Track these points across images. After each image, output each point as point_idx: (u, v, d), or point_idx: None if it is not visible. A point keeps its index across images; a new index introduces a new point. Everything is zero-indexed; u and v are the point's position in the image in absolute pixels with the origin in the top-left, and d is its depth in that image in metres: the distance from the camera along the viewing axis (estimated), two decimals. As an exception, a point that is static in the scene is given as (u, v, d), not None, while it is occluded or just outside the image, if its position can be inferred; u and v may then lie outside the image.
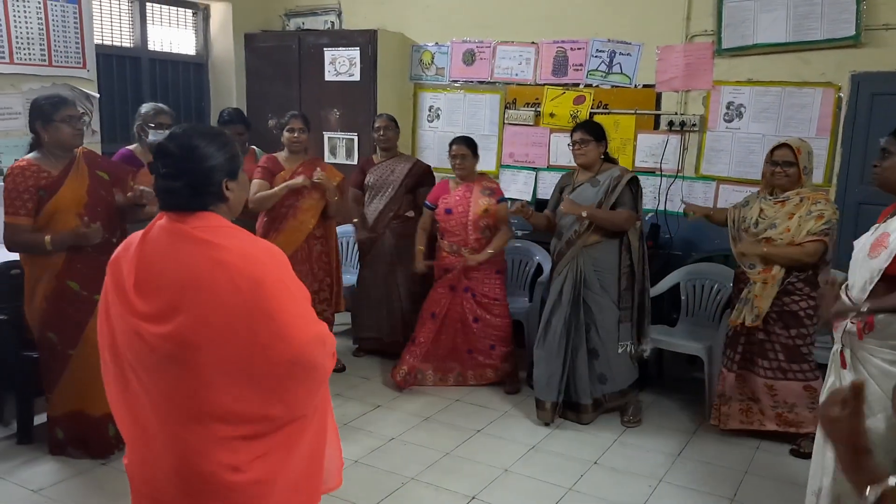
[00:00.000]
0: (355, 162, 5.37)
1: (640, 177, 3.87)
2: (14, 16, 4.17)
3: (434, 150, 5.58)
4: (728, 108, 4.54)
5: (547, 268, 4.62)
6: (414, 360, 4.25)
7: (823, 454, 2.35)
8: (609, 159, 3.88)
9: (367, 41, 5.29)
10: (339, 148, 5.53)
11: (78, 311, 3.15)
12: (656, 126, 4.78)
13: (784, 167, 3.42)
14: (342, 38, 5.45)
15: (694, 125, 4.63)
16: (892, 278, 2.20)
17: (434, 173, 4.69)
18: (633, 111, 4.80)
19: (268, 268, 1.59)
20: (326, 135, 5.53)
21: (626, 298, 3.82)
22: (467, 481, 3.24)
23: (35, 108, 3.11)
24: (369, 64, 5.30)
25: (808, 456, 2.82)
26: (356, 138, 5.47)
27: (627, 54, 4.83)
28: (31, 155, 3.13)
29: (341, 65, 5.41)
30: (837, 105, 4.20)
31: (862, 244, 2.39)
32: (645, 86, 4.79)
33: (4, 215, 3.04)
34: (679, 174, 4.68)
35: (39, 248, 3.02)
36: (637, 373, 3.93)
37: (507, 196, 4.37)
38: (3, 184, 3.15)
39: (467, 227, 4.15)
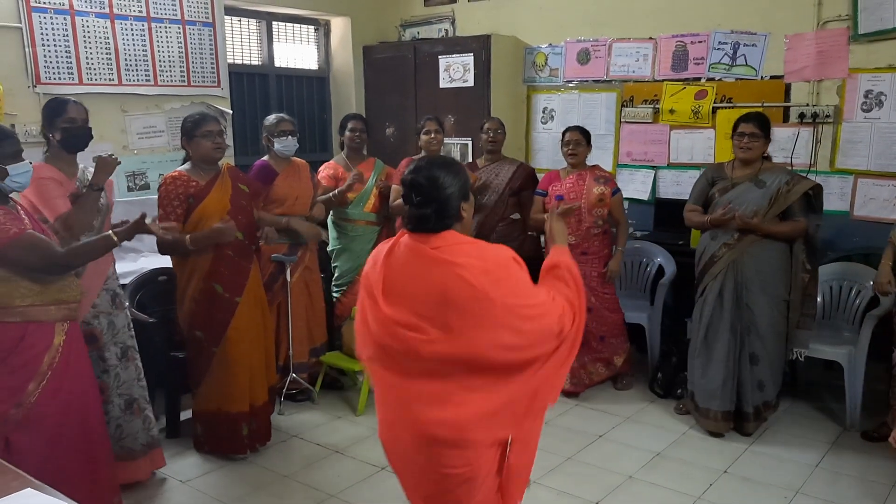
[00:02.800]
0: (470, 166, 5.44)
1: (769, 173, 3.67)
2: (157, 42, 4.53)
3: (548, 153, 5.55)
4: (866, 96, 4.24)
5: (668, 270, 4.50)
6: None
7: None
8: (767, 157, 3.69)
9: (480, 46, 5.34)
10: (454, 153, 5.61)
11: (221, 311, 3.38)
12: (785, 119, 4.53)
13: None
14: (456, 44, 5.53)
15: (828, 116, 4.35)
16: None
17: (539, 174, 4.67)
18: (759, 104, 4.57)
19: (497, 275, 1.80)
20: (443, 140, 5.61)
21: (810, 305, 3.63)
22: (590, 487, 3.21)
23: (182, 126, 3.44)
24: (483, 69, 5.34)
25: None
26: (470, 143, 5.53)
27: (753, 45, 4.61)
28: (183, 167, 3.43)
29: (455, 71, 5.49)
30: None
31: None
32: (772, 77, 4.55)
33: (158, 219, 3.32)
34: (812, 168, 4.42)
35: (182, 247, 3.27)
36: (781, 381, 3.75)
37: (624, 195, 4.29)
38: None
39: (581, 214, 4.11)
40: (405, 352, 1.85)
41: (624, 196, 4.27)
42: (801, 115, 4.44)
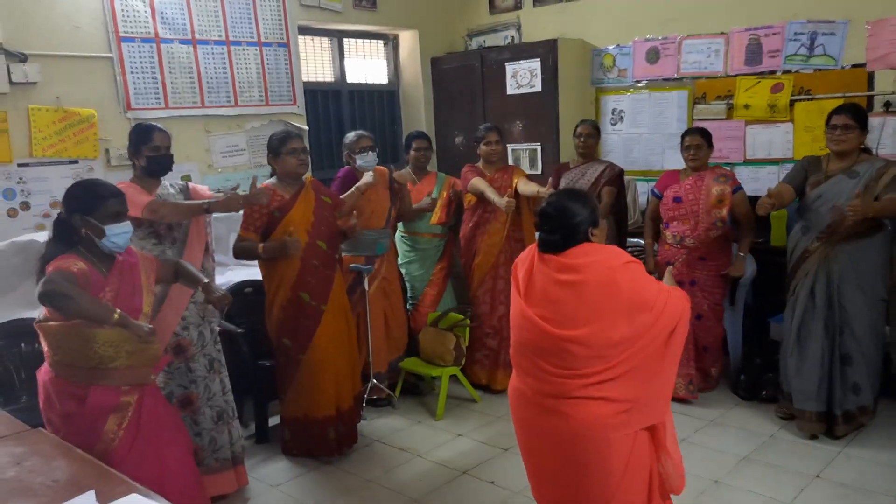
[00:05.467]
0: (538, 172, 5.44)
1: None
2: (237, 64, 4.74)
3: (619, 153, 5.50)
4: (958, 81, 4.04)
5: (749, 269, 4.37)
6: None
7: None
8: (866, 150, 3.54)
9: (547, 51, 5.34)
10: (523, 159, 5.63)
11: (308, 318, 3.50)
12: (869, 108, 4.35)
13: None
14: (522, 51, 5.55)
15: (916, 104, 4.17)
16: None
17: (625, 176, 4.62)
18: (840, 94, 4.41)
19: (620, 273, 2.06)
20: (510, 147, 5.65)
21: None
22: (675, 491, 3.15)
23: (268, 144, 3.58)
24: (550, 73, 5.35)
25: None
26: (539, 148, 5.53)
27: (831, 34, 4.46)
28: (270, 180, 3.58)
29: (522, 77, 5.52)
30: None
31: None
32: (854, 66, 4.39)
33: (240, 228, 3.50)
34: (900, 159, 4.23)
35: (254, 253, 3.44)
36: (879, 384, 3.59)
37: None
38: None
39: (698, 216, 4.00)
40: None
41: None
42: (887, 104, 4.26)
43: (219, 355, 3.29)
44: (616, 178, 4.50)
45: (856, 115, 3.42)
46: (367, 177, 3.92)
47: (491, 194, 4.18)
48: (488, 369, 4.40)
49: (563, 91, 5.38)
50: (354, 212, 3.82)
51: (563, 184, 4.55)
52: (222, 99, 4.68)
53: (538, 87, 5.44)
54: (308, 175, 3.66)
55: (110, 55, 4.19)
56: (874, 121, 4.30)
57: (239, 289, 4.01)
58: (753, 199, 3.73)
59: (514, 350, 2.25)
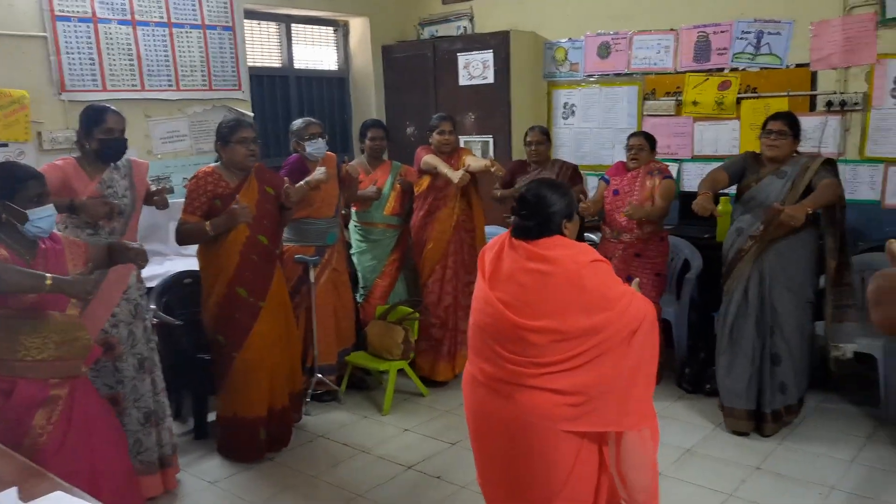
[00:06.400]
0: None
1: (796, 163, 3.60)
2: (179, 47, 4.57)
3: (570, 148, 5.51)
4: (896, 82, 4.15)
5: (695, 264, 4.43)
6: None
7: None
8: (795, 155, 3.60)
9: (499, 43, 5.31)
10: (475, 151, 5.58)
11: (244, 315, 3.38)
12: (812, 107, 4.45)
13: None
14: (475, 41, 5.50)
15: (856, 104, 4.27)
16: None
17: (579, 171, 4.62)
18: (785, 93, 4.49)
19: (587, 270, 2.07)
20: (462, 139, 5.60)
21: (845, 295, 3.52)
22: (619, 484, 3.16)
23: (217, 131, 3.44)
24: (502, 65, 5.31)
25: None
26: (491, 140, 5.50)
27: (777, 33, 4.53)
28: (217, 164, 3.44)
29: (475, 68, 5.47)
30: None
31: None
32: (798, 65, 4.47)
33: (182, 212, 3.35)
34: (841, 157, 4.33)
35: (202, 234, 3.28)
36: (807, 383, 3.67)
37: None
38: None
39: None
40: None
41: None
42: (829, 104, 4.35)
43: (151, 354, 3.13)
44: (573, 175, 4.49)
45: (790, 122, 3.50)
46: (319, 173, 3.81)
47: (444, 169, 4.16)
48: (431, 360, 4.36)
49: (516, 83, 5.36)
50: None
51: (519, 187, 4.53)
52: (163, 82, 4.51)
53: (490, 79, 5.40)
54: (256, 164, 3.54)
55: (44, 34, 3.99)
56: (816, 120, 4.40)
57: (178, 279, 3.88)
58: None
59: (472, 332, 2.23)
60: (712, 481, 3.16)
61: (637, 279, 2.53)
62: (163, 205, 3.24)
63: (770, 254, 3.47)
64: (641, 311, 2.10)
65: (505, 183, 4.53)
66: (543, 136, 4.47)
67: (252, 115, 4.93)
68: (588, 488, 2.13)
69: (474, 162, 4.19)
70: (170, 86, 4.55)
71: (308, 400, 3.99)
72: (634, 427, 2.09)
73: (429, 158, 4.26)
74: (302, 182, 3.74)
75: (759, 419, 3.58)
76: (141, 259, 2.66)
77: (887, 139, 4.21)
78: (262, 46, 5.49)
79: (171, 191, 3.33)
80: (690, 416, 3.85)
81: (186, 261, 4.03)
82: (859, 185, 4.32)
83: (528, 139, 4.46)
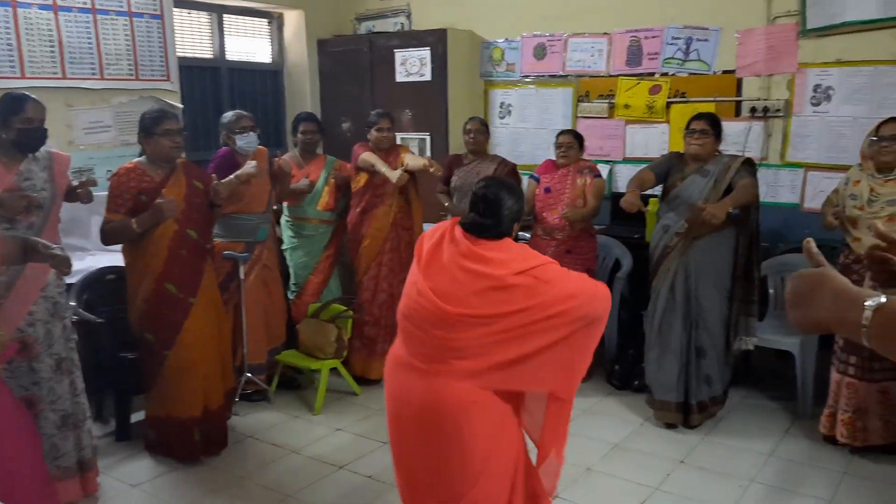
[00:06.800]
0: (428, 162, 5.40)
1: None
2: (103, 34, 4.39)
3: (506, 147, 5.54)
4: (815, 91, 4.32)
5: (625, 263, 4.53)
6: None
7: None
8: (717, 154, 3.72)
9: (437, 40, 5.30)
10: (412, 148, 5.56)
11: (174, 312, 3.28)
12: (737, 113, 4.60)
13: (891, 142, 3.19)
14: (412, 38, 5.48)
15: (778, 110, 4.43)
16: None
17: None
18: (712, 98, 4.63)
19: (520, 278, 2.04)
20: (399, 135, 5.56)
21: (749, 290, 3.67)
22: (549, 480, 3.20)
23: (139, 122, 3.30)
24: (440, 63, 5.31)
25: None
26: (428, 138, 5.49)
27: (705, 40, 4.67)
28: (138, 159, 3.31)
29: (412, 65, 5.45)
30: (937, 83, 3.94)
31: None
32: (725, 72, 4.62)
33: (105, 211, 3.21)
34: (763, 161, 4.49)
35: (129, 232, 3.16)
36: (730, 375, 3.80)
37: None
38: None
39: (563, 208, 4.13)
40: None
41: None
42: (753, 110, 4.51)
43: (70, 354, 2.99)
44: (511, 175, 4.52)
45: (712, 122, 3.63)
46: (250, 167, 3.70)
47: (382, 167, 4.13)
48: (365, 358, 4.33)
49: (453, 82, 5.36)
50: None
51: (455, 181, 4.53)
52: (86, 71, 4.33)
53: (428, 76, 5.39)
54: (180, 157, 3.43)
55: (-44, 15, 3.78)
56: (741, 125, 4.56)
57: (101, 275, 3.73)
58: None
59: (401, 314, 2.21)
60: (639, 475, 3.24)
61: None
62: (87, 198, 3.10)
63: (695, 250, 3.58)
64: (575, 299, 2.07)
65: (443, 178, 4.54)
66: (483, 127, 4.50)
67: (182, 107, 4.78)
68: (503, 483, 2.12)
69: (412, 161, 4.18)
70: (93, 74, 4.37)
71: (237, 400, 3.90)
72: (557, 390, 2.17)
73: (367, 156, 4.21)
74: (231, 176, 3.63)
75: (686, 411, 3.69)
76: (64, 266, 2.48)
77: (806, 145, 4.39)
78: (192, 37, 5.34)
79: (94, 183, 3.19)
80: (619, 412, 3.93)
81: (109, 256, 3.87)
82: (780, 188, 4.50)
83: (468, 127, 4.48)
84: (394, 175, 4.08)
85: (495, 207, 2.15)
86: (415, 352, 2.14)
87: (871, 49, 4.10)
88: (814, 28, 4.25)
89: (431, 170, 4.09)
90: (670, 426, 3.70)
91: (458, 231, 2.16)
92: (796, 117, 4.41)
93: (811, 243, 1.11)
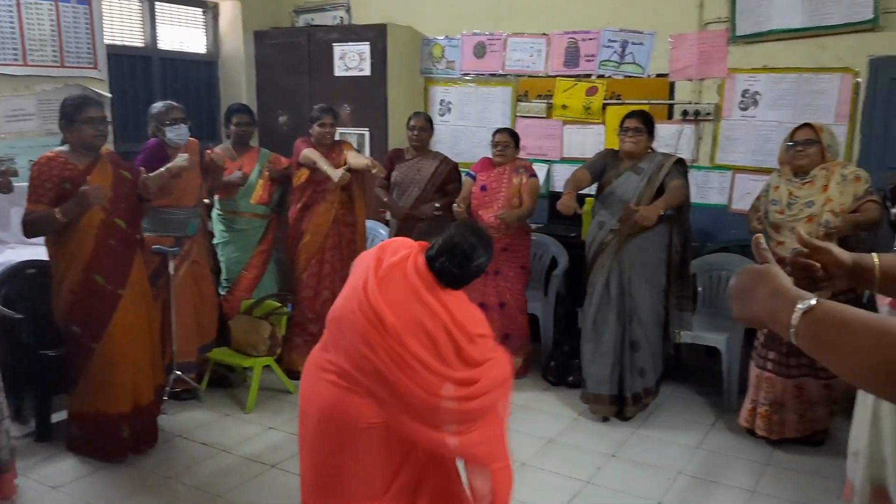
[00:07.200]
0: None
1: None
2: (27, 18, 4.19)
3: (446, 145, 5.54)
4: (743, 95, 4.47)
5: (562, 261, 4.59)
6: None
7: (863, 415, 2.25)
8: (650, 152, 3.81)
9: (376, 35, 5.26)
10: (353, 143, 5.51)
11: (102, 304, 3.17)
12: (670, 116, 4.72)
13: (805, 146, 3.34)
14: (352, 32, 5.43)
15: (709, 114, 4.57)
16: None
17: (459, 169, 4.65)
18: (646, 101, 4.74)
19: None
20: (338, 130, 5.49)
21: (682, 286, 3.79)
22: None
23: (61, 109, 3.17)
24: (379, 59, 5.27)
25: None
26: (367, 133, 5.45)
27: (640, 43, 4.77)
28: (59, 148, 3.18)
29: (351, 60, 5.40)
30: (855, 91, 4.12)
31: None
32: (658, 75, 4.73)
33: (26, 202, 3.07)
34: (694, 163, 4.62)
35: (53, 222, 3.03)
36: (662, 368, 3.89)
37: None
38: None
39: (500, 205, 4.17)
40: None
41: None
42: (685, 113, 4.64)
43: None
44: (454, 173, 4.52)
45: (645, 120, 3.73)
46: (180, 160, 3.59)
47: (324, 165, 4.08)
48: (306, 355, 4.24)
49: (393, 78, 5.33)
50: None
51: (395, 176, 4.49)
52: (8, 56, 4.12)
53: (367, 72, 5.35)
54: (105, 148, 3.30)
55: None
56: (673, 127, 4.68)
57: (20, 269, 3.56)
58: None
59: (331, 316, 2.17)
60: (571, 469, 3.29)
61: None
62: (6, 189, 2.97)
63: (629, 247, 3.66)
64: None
65: (387, 173, 4.50)
66: (427, 123, 4.50)
67: (110, 96, 4.61)
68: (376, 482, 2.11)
69: (355, 160, 4.14)
70: (16, 60, 4.16)
71: (165, 398, 3.78)
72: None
73: (309, 153, 4.15)
74: (162, 169, 3.52)
75: (621, 403, 3.76)
76: None
77: (734, 148, 4.54)
78: (122, 24, 5.15)
79: (15, 173, 3.05)
80: (554, 407, 3.98)
81: (30, 249, 3.70)
82: (709, 190, 4.64)
83: (412, 123, 4.47)
84: (336, 174, 4.03)
85: (465, 261, 2.13)
86: (333, 360, 2.11)
87: (795, 56, 4.27)
88: (743, 35, 4.40)
89: (374, 171, 4.09)
90: (605, 419, 3.77)
91: (421, 261, 2.12)
92: (725, 121, 4.55)
93: (760, 239, 1.15)
